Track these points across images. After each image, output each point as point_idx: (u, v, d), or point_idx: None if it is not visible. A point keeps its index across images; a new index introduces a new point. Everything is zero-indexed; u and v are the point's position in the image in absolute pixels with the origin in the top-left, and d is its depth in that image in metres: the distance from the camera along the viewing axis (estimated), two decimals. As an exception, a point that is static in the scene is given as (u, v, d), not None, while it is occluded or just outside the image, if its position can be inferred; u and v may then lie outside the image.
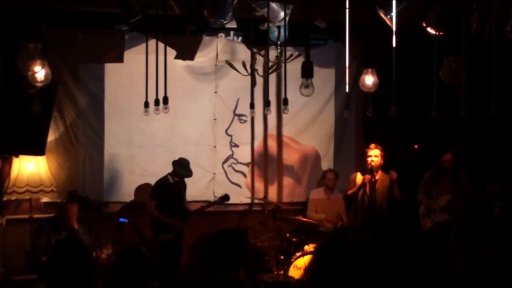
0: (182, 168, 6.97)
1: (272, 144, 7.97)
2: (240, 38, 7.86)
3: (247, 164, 7.90)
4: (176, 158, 7.07)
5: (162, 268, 6.59)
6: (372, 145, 6.76)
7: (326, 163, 8.09)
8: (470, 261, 3.02)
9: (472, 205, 6.72)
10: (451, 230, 3.60)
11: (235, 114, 7.84)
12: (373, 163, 6.64)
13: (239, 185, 7.86)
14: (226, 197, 7.20)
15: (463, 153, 7.35)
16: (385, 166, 6.97)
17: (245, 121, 7.87)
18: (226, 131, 7.81)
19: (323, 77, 7.94)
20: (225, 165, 7.82)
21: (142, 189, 7.37)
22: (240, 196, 7.80)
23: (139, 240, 7.06)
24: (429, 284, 2.54)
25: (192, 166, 7.14)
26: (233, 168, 7.86)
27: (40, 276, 5.84)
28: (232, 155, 7.85)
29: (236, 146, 7.87)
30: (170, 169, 6.98)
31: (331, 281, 2.95)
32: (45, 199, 7.00)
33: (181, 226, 6.89)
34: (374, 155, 6.63)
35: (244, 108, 7.75)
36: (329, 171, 7.65)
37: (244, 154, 7.89)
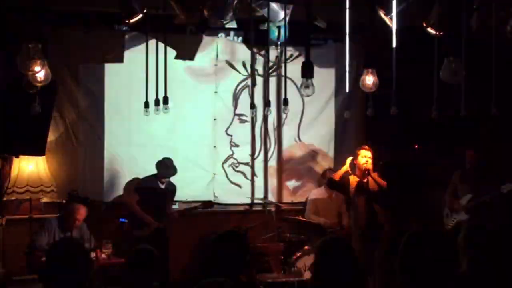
0: (163, 168, 6.92)
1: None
2: (240, 38, 7.85)
3: (247, 164, 7.91)
4: (177, 158, 7.06)
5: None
6: (366, 147, 6.71)
7: (327, 163, 8.08)
8: (475, 261, 3.00)
9: (485, 204, 6.67)
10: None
11: (235, 114, 7.84)
12: (368, 164, 6.57)
13: (239, 185, 7.85)
14: (208, 204, 7.16)
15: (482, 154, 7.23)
16: (385, 167, 6.94)
17: (245, 121, 7.87)
18: (226, 131, 7.80)
19: (323, 77, 7.93)
20: (225, 165, 7.81)
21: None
22: (240, 196, 7.80)
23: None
24: (434, 284, 2.53)
25: (192, 166, 7.11)
26: (234, 168, 7.86)
27: (40, 276, 5.82)
28: (232, 155, 7.84)
29: (236, 146, 7.85)
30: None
31: (333, 279, 2.94)
32: (45, 199, 6.98)
33: (157, 225, 6.81)
34: (369, 156, 6.60)
35: (244, 108, 7.75)
36: (329, 170, 7.63)
37: (244, 154, 7.89)
